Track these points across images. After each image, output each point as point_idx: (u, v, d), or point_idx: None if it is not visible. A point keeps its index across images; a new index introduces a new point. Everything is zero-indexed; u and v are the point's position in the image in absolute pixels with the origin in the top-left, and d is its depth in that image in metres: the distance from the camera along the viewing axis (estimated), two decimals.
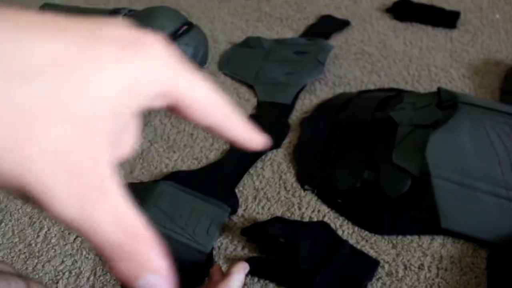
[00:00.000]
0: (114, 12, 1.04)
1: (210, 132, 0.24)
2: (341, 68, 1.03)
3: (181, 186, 0.72)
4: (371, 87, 0.98)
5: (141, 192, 0.71)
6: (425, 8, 1.21)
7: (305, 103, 0.93)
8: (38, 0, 1.22)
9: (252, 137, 0.26)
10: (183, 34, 1.00)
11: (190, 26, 1.03)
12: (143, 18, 1.00)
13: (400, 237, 0.67)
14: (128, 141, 0.22)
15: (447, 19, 1.19)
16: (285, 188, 0.75)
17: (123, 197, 0.19)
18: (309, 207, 0.72)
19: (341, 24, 1.19)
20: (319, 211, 0.72)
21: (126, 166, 0.81)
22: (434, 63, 1.05)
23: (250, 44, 1.09)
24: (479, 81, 0.99)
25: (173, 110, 0.22)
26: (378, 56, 1.07)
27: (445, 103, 0.76)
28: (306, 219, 0.70)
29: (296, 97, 0.93)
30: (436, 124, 0.73)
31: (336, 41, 1.12)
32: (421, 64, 1.04)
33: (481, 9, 1.25)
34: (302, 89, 0.94)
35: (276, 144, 0.83)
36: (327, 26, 1.18)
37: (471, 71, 1.02)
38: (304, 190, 0.75)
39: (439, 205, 0.67)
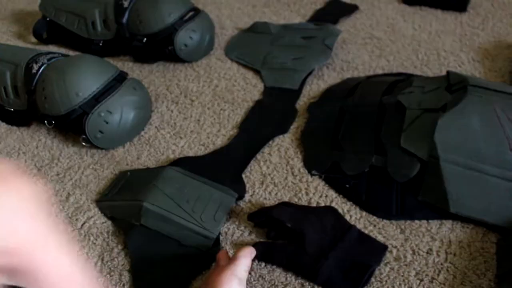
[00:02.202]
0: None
1: None
2: (349, 53, 1.02)
3: (187, 172, 0.72)
4: (380, 71, 0.97)
5: (148, 177, 0.71)
6: None
7: (313, 88, 0.92)
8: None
9: None
10: (190, 19, 0.99)
11: (196, 11, 1.03)
12: (151, 3, 0.99)
13: (408, 222, 0.67)
14: None
15: (457, 2, 1.17)
16: (292, 173, 0.75)
17: None
18: (317, 192, 0.72)
19: (349, 9, 1.17)
20: (326, 196, 0.71)
21: (132, 152, 0.81)
22: (443, 47, 1.03)
23: (257, 29, 1.08)
24: (489, 64, 0.98)
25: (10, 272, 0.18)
26: (386, 41, 1.05)
27: (454, 86, 0.75)
28: (314, 204, 0.70)
29: (303, 83, 0.92)
30: (445, 107, 0.72)
31: (344, 25, 1.11)
32: (430, 48, 1.03)
33: None
34: (309, 74, 0.94)
35: (283, 129, 0.82)
36: (335, 11, 1.17)
37: (481, 54, 1.01)
38: (312, 175, 0.74)
39: (448, 189, 0.67)
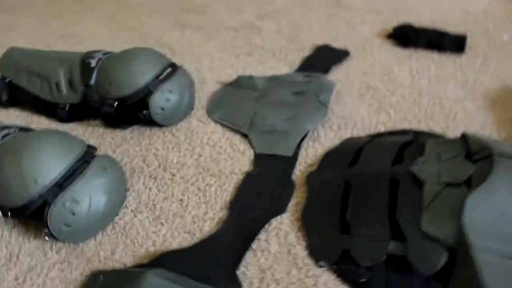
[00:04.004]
0: (87, 57, 0.92)
1: None
2: (345, 107, 0.92)
3: (172, 275, 0.60)
4: (381, 128, 0.87)
5: (123, 285, 0.58)
6: (429, 33, 1.12)
7: (309, 153, 0.82)
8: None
9: None
10: (166, 79, 0.89)
11: (174, 68, 0.92)
12: (121, 62, 0.89)
13: None
14: None
15: (453, 44, 1.09)
16: (296, 265, 0.63)
17: None
18: None
19: (339, 55, 1.09)
20: None
21: (106, 245, 0.68)
22: (446, 95, 0.94)
23: (241, 84, 0.98)
24: (500, 113, 0.89)
25: None
26: (384, 91, 0.96)
27: (475, 155, 0.65)
28: None
29: (298, 147, 0.82)
30: (470, 181, 0.62)
31: (337, 75, 1.02)
32: (432, 97, 0.94)
33: (487, 31, 1.16)
34: (304, 137, 0.83)
35: (280, 208, 0.71)
36: (324, 58, 1.08)
37: (488, 102, 0.92)
38: (319, 266, 0.63)
39: (485, 285, 0.56)
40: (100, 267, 0.65)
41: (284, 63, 1.08)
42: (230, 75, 1.05)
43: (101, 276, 0.63)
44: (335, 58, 1.07)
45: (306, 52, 1.12)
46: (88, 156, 0.72)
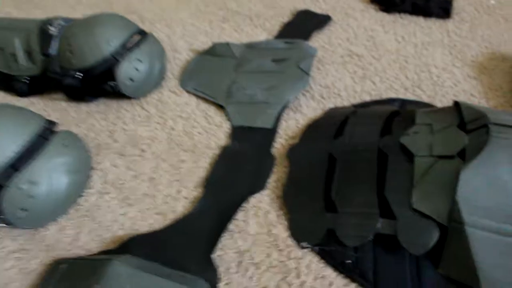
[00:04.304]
0: (46, 24, 0.84)
1: None
2: (327, 76, 0.86)
3: (140, 261, 0.55)
4: (366, 97, 0.81)
5: (88, 273, 0.53)
6: None
7: (290, 125, 0.76)
8: None
9: None
10: (135, 46, 0.81)
11: (142, 35, 0.85)
12: (84, 29, 0.81)
13: None
14: None
15: (439, 8, 1.03)
16: (277, 247, 0.58)
17: None
18: (310, 273, 0.56)
19: (321, 20, 1.02)
20: (323, 277, 0.55)
21: (69, 230, 0.62)
22: (434, 62, 0.89)
23: (217, 52, 0.91)
24: (488, 81, 0.84)
25: None
26: (369, 58, 0.90)
27: (469, 125, 0.60)
28: None
29: (278, 118, 0.76)
30: (463, 153, 0.57)
31: (318, 41, 0.96)
32: (419, 65, 0.88)
33: None
34: (284, 107, 0.77)
35: (259, 185, 0.66)
36: (305, 24, 1.01)
37: (476, 69, 0.87)
38: (302, 247, 0.58)
39: (478, 262, 0.52)
40: (62, 254, 0.60)
41: (262, 29, 1.01)
42: (204, 43, 0.98)
43: (63, 265, 0.57)
44: (316, 24, 1.00)
45: (285, 17, 1.05)
46: (46, 132, 0.65)
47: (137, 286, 0.51)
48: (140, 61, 0.80)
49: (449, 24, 1.00)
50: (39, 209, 0.61)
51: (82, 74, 0.79)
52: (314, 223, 0.60)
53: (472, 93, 0.82)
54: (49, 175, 0.61)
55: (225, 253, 0.58)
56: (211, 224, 0.61)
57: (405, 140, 0.62)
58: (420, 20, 1.02)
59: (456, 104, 0.65)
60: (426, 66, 0.88)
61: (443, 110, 0.67)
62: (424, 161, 0.59)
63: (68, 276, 0.55)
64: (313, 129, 0.74)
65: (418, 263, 0.55)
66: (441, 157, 0.58)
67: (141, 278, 0.52)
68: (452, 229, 0.53)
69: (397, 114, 0.70)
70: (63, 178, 0.62)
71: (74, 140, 0.67)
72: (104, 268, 0.52)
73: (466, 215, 0.53)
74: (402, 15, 1.04)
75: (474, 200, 0.53)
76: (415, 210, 0.56)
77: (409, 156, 0.60)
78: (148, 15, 1.09)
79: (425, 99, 0.80)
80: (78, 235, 0.62)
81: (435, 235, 0.54)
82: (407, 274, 0.55)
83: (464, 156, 0.57)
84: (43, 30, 0.83)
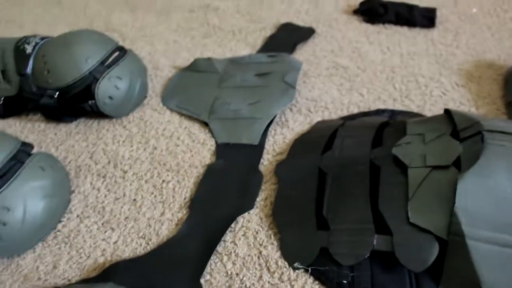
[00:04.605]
0: (22, 42, 0.81)
1: None
2: (314, 89, 0.84)
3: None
4: (354, 109, 0.79)
5: None
6: (397, 6, 1.05)
7: (277, 141, 0.73)
8: None
9: None
10: (114, 64, 0.79)
11: (122, 52, 0.82)
12: (61, 47, 0.78)
13: None
14: None
15: (423, 17, 1.03)
16: (268, 269, 0.55)
17: None
18: None
19: (304, 33, 1.00)
20: None
21: (47, 258, 0.59)
22: (420, 71, 0.88)
23: (199, 67, 0.89)
24: (476, 89, 0.83)
25: None
26: (354, 69, 0.89)
27: (463, 132, 0.58)
28: None
29: (264, 134, 0.73)
30: (458, 162, 0.55)
31: (303, 54, 0.94)
32: (406, 75, 0.87)
33: (456, 3, 1.10)
34: (270, 122, 0.75)
35: (247, 204, 0.63)
36: (289, 37, 0.99)
37: (463, 77, 0.86)
38: (294, 269, 0.55)
39: (481, 276, 0.49)
40: (39, 285, 0.56)
41: (245, 44, 0.99)
42: (186, 59, 0.95)
43: None
44: (300, 37, 0.99)
45: (268, 31, 1.03)
46: (22, 155, 0.61)
47: None
48: (120, 78, 0.78)
49: (433, 33, 1.00)
50: (13, 237, 0.57)
51: (59, 93, 0.76)
52: (306, 242, 0.57)
53: (462, 101, 0.80)
54: (24, 200, 0.57)
55: (213, 277, 0.55)
56: (197, 247, 0.58)
57: (397, 151, 0.59)
58: (405, 30, 1.01)
59: (447, 112, 0.63)
60: (413, 76, 0.87)
61: (434, 118, 0.65)
62: (418, 172, 0.57)
63: None
64: (301, 144, 0.71)
65: (418, 280, 0.53)
66: (436, 167, 0.56)
67: None
68: (452, 242, 0.51)
69: (387, 125, 0.68)
70: (39, 203, 0.59)
71: (51, 163, 0.64)
72: None
73: (466, 227, 0.50)
74: (387, 25, 1.03)
75: (473, 210, 0.51)
76: (412, 224, 0.53)
77: (402, 167, 0.58)
78: (129, 32, 1.07)
79: (414, 109, 0.78)
80: (57, 263, 0.58)
81: (434, 250, 0.51)
82: None
83: (459, 165, 0.55)
84: (19, 49, 0.80)
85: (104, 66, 0.77)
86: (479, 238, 0.50)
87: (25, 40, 0.82)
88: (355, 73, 0.88)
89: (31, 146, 0.64)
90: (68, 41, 0.78)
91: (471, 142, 0.56)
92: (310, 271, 0.55)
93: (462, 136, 0.58)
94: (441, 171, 0.55)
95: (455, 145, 0.57)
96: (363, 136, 0.66)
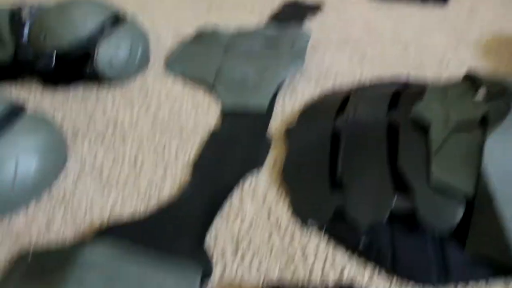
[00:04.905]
0: (18, 9, 0.77)
1: None
2: (323, 60, 0.80)
3: (121, 246, 0.47)
4: (366, 80, 0.75)
5: (57, 264, 0.45)
6: None
7: (286, 108, 0.70)
8: None
9: None
10: (112, 30, 0.75)
11: (122, 18, 0.78)
12: (58, 12, 0.74)
13: (458, 287, 0.45)
14: None
15: None
16: (279, 228, 0.51)
17: None
18: (319, 257, 0.48)
19: (313, 8, 0.97)
20: (333, 261, 0.48)
21: (40, 217, 0.54)
22: (434, 45, 0.84)
23: (203, 39, 0.85)
24: (495, 61, 0.79)
25: None
26: (365, 43, 0.85)
27: (488, 93, 0.54)
28: (318, 277, 0.46)
29: (272, 100, 0.69)
30: (485, 121, 0.51)
31: (311, 28, 0.90)
32: (419, 46, 0.83)
33: None
34: (278, 89, 0.71)
35: (256, 161, 0.59)
36: (296, 12, 0.96)
37: (481, 50, 0.82)
38: (308, 225, 0.51)
39: (511, 237, 0.45)
40: (32, 244, 0.51)
41: (252, 16, 0.96)
42: (191, 31, 0.91)
43: (30, 256, 0.48)
44: (308, 12, 0.95)
45: (275, 4, 1.00)
46: (13, 115, 0.57)
47: (114, 274, 0.43)
48: (120, 44, 0.74)
49: (447, 10, 0.96)
50: (5, 194, 0.53)
51: (57, 56, 0.72)
52: (320, 202, 0.53)
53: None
54: (15, 156, 0.53)
55: (219, 238, 0.51)
56: (201, 208, 0.53)
57: (417, 110, 0.56)
58: (417, 6, 0.98)
59: (469, 75, 0.59)
60: (427, 49, 0.83)
61: (456, 83, 0.61)
62: (440, 132, 0.53)
63: (34, 269, 0.47)
64: (312, 110, 0.67)
65: (443, 246, 0.48)
66: (459, 126, 0.52)
67: (120, 265, 0.44)
68: (480, 203, 0.47)
69: (404, 91, 0.64)
70: (32, 158, 0.55)
71: (44, 122, 0.60)
72: (76, 255, 0.44)
73: (496, 189, 0.46)
74: (398, 2, 0.99)
75: (503, 171, 0.47)
76: (437, 182, 0.49)
77: (422, 128, 0.54)
78: (130, 7, 1.03)
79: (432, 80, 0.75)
80: (51, 222, 0.54)
81: (460, 210, 0.47)
82: (431, 256, 0.48)
83: (483, 125, 0.51)
84: (14, 17, 0.77)
85: (103, 31, 0.74)
86: (508, 198, 0.46)
87: (21, 8, 0.78)
88: (366, 45, 0.84)
89: (23, 105, 0.60)
90: (67, 6, 0.75)
91: (497, 101, 0.52)
92: (324, 231, 0.50)
93: (489, 97, 0.54)
94: (465, 130, 0.51)
95: (479, 104, 0.53)
96: (378, 101, 0.62)
